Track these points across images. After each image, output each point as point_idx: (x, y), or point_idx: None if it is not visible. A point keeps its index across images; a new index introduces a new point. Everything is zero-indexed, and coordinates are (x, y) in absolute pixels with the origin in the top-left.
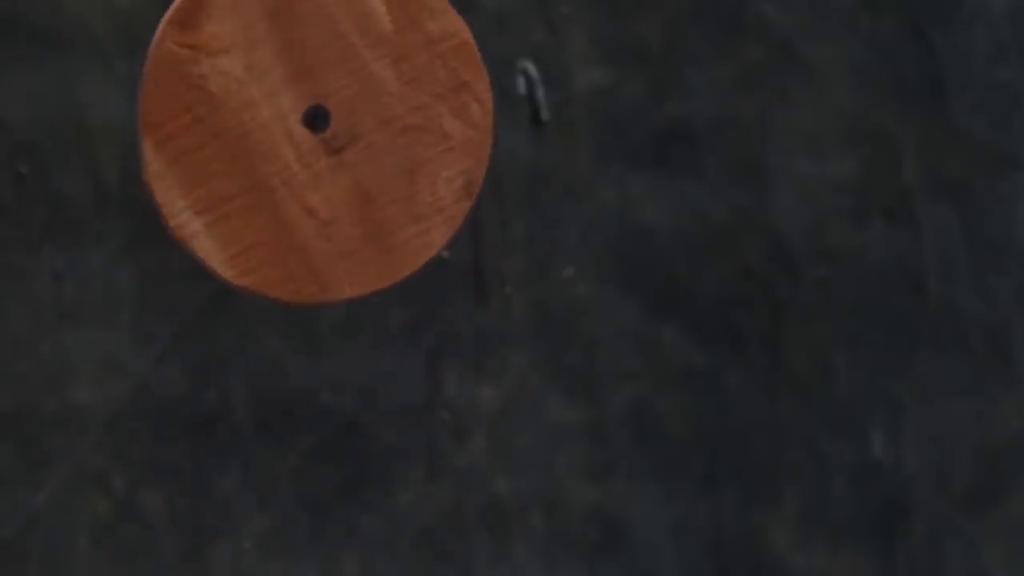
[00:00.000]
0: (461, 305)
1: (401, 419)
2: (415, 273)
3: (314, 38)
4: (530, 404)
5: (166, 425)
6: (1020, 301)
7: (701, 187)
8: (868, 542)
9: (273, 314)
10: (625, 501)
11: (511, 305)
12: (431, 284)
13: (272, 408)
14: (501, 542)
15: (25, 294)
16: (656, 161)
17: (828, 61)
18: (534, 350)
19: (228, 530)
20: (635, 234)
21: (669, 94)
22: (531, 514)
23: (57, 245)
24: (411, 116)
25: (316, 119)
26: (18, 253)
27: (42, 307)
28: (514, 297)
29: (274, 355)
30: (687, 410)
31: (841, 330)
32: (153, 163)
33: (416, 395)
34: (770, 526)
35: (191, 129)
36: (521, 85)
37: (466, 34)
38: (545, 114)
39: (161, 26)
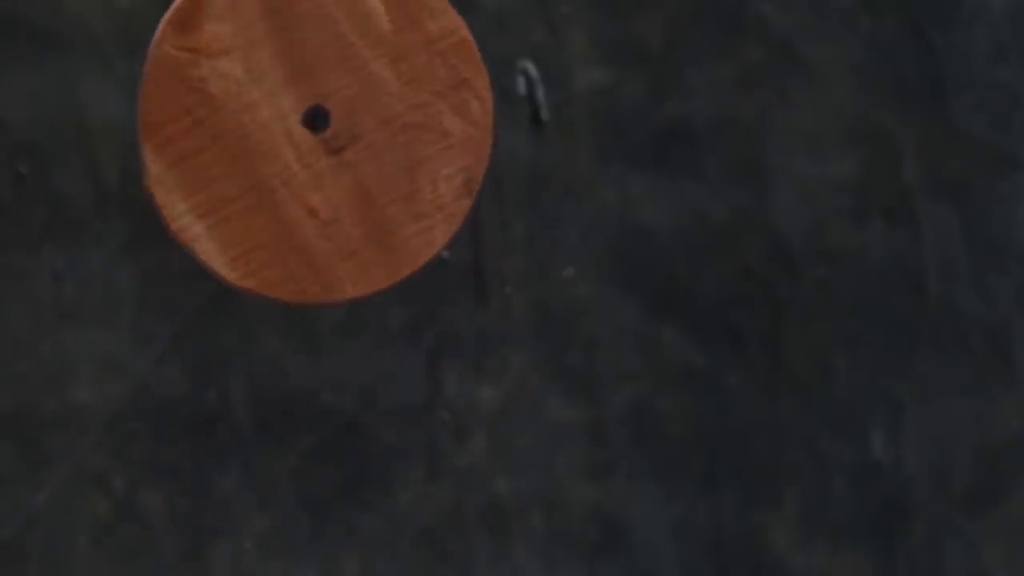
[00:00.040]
0: (461, 305)
1: (401, 419)
2: (416, 272)
3: (313, 39)
4: (530, 404)
5: (166, 425)
6: (1020, 301)
7: (701, 187)
8: (868, 542)
9: (273, 314)
10: (625, 501)
11: (511, 305)
12: (431, 284)
13: (272, 408)
14: (501, 542)
15: (25, 294)
16: (656, 161)
17: (828, 61)
18: (534, 350)
19: (228, 530)
20: (635, 234)
21: (669, 94)
22: (531, 514)
23: (57, 245)
24: (411, 114)
25: (316, 119)
26: (18, 253)
27: (42, 307)
28: (514, 297)
29: (274, 355)
30: (687, 410)
31: (841, 330)
32: (154, 167)
33: (416, 395)
34: (770, 526)
35: (191, 132)
36: (521, 85)
37: (465, 32)
38: (545, 114)
39: (160, 29)
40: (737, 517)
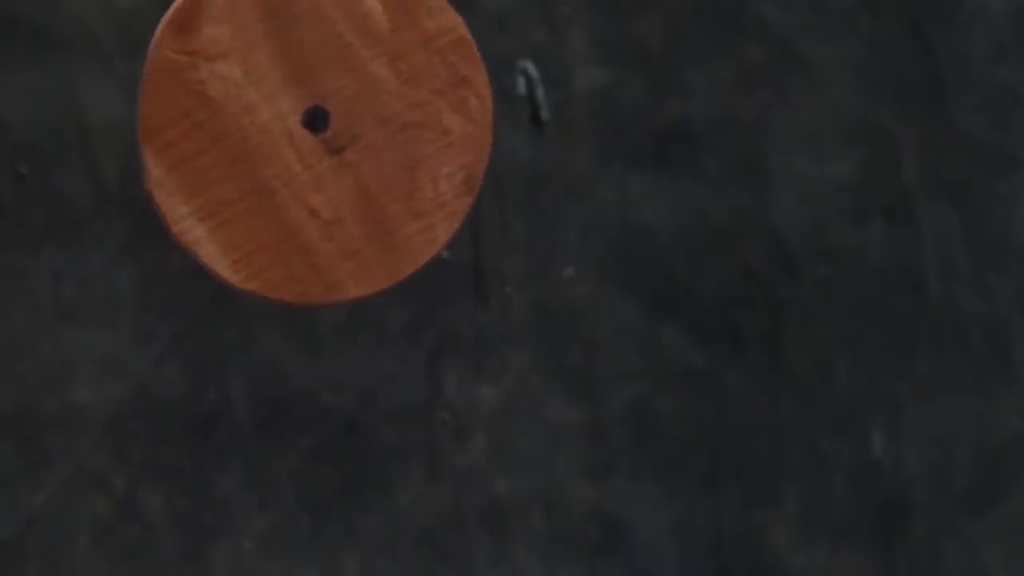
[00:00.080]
0: (461, 305)
1: (401, 419)
2: (418, 271)
3: (311, 39)
4: (530, 404)
5: (166, 425)
6: (1020, 301)
7: (701, 187)
8: (868, 542)
9: (273, 314)
10: (625, 501)
11: (511, 305)
12: (431, 284)
13: (272, 408)
14: (501, 542)
15: (25, 294)
16: (656, 161)
17: (828, 61)
18: (534, 350)
19: (228, 530)
20: (635, 234)
21: (669, 94)
22: (531, 514)
23: (57, 245)
24: (410, 113)
25: (316, 120)
26: (18, 253)
27: (42, 307)
28: (514, 297)
29: (274, 355)
30: (687, 410)
31: (841, 330)
32: (154, 170)
33: (416, 395)
34: (770, 526)
35: (191, 135)
36: (521, 85)
37: (463, 29)
38: (545, 114)
39: (158, 32)
40: (737, 517)
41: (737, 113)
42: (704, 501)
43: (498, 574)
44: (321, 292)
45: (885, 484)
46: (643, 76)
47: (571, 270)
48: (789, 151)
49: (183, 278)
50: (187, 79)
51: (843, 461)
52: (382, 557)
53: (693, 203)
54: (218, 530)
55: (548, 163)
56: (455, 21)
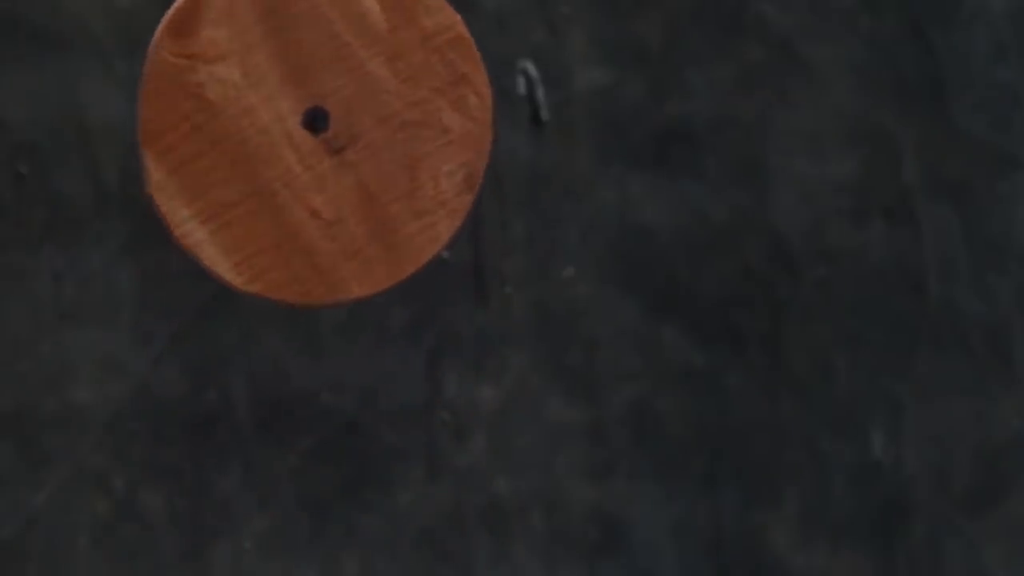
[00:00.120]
0: (461, 305)
1: (401, 419)
2: (419, 271)
3: (309, 40)
4: (530, 404)
5: (166, 425)
6: (1020, 301)
7: (701, 187)
8: (868, 542)
9: (273, 314)
10: (625, 501)
11: (511, 305)
12: (431, 284)
13: (272, 408)
14: (501, 542)
15: (25, 294)
16: (656, 161)
17: (828, 61)
18: (534, 350)
19: (228, 530)
20: (635, 234)
21: (669, 94)
22: (531, 514)
23: (57, 245)
24: (409, 112)
25: (315, 120)
26: (18, 253)
27: (42, 307)
28: (514, 297)
29: (274, 355)
30: (687, 410)
31: (841, 330)
32: (155, 174)
33: (416, 395)
34: (770, 526)
35: (190, 138)
36: (521, 85)
37: (461, 27)
38: (545, 114)
39: (156, 36)
40: (737, 517)
41: (737, 113)
42: (704, 501)
43: (498, 574)
44: (324, 293)
45: (885, 484)
46: (643, 76)
47: (571, 270)
48: (789, 151)
49: (183, 278)
50: (186, 82)
51: (843, 461)
52: (382, 557)
53: (693, 203)
54: (218, 530)
55: (548, 163)
56: (453, 19)
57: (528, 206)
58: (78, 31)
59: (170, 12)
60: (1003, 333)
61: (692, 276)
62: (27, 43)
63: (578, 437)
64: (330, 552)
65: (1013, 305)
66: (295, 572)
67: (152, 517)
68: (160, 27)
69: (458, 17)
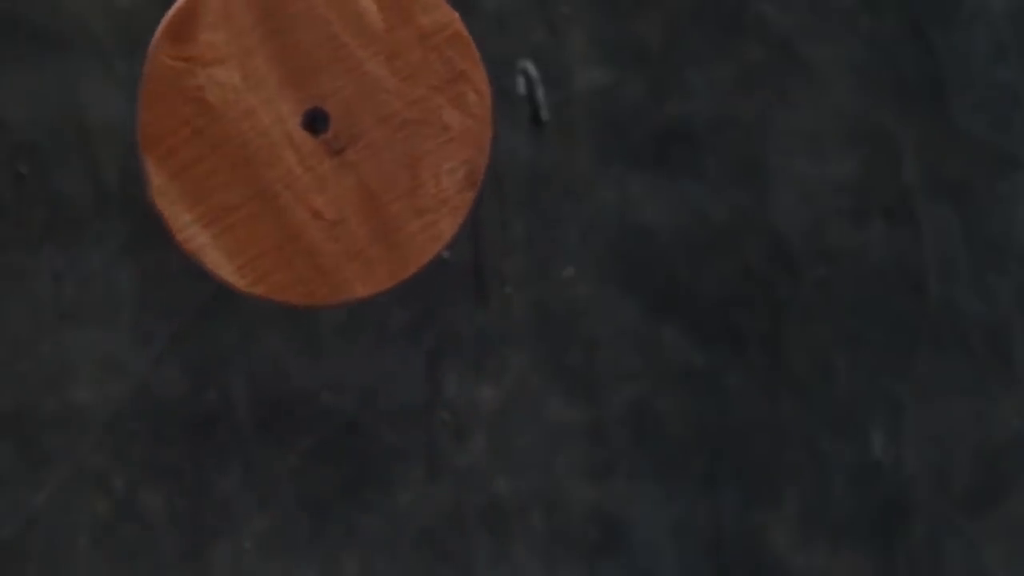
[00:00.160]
0: (461, 305)
1: (401, 419)
2: (421, 270)
3: (307, 41)
4: (530, 404)
5: (166, 425)
6: (1020, 301)
7: (701, 187)
8: (868, 542)
9: (273, 314)
10: (625, 501)
11: (511, 305)
12: (431, 284)
13: (272, 408)
14: (501, 542)
15: (25, 294)
16: (656, 161)
17: (828, 61)
18: (534, 350)
19: (228, 530)
20: (635, 234)
21: (669, 94)
22: (531, 514)
23: (57, 245)
24: (409, 111)
25: (315, 121)
26: (18, 253)
27: (42, 307)
28: (514, 297)
29: (274, 355)
30: (687, 410)
31: (841, 330)
32: (156, 179)
33: (416, 395)
34: (770, 526)
35: (191, 142)
36: (521, 85)
37: (459, 25)
38: (545, 114)
39: (155, 40)
40: (737, 517)
41: (737, 113)
42: (704, 501)
43: (498, 574)
44: (328, 293)
45: (885, 484)
46: (643, 76)
47: (571, 270)
48: (789, 151)
49: (183, 278)
50: (185, 86)
51: (843, 461)
52: (382, 557)
53: (693, 203)
54: (218, 530)
55: (548, 163)
56: (450, 17)
57: (528, 206)
58: (78, 31)
59: (168, 16)
60: (1003, 333)
61: (692, 276)
62: (27, 43)
63: (578, 437)
64: (330, 552)
65: (1013, 305)
66: (295, 572)
67: (152, 517)
68: (158, 31)
69: (455, 14)
